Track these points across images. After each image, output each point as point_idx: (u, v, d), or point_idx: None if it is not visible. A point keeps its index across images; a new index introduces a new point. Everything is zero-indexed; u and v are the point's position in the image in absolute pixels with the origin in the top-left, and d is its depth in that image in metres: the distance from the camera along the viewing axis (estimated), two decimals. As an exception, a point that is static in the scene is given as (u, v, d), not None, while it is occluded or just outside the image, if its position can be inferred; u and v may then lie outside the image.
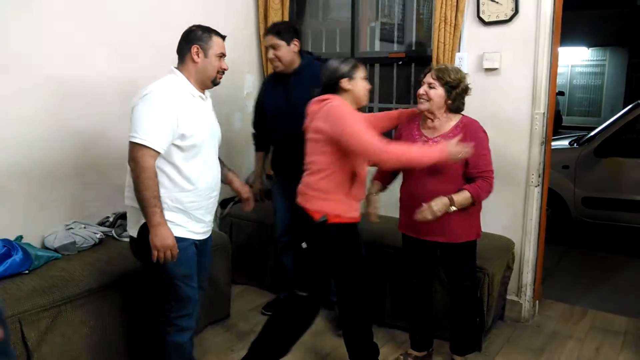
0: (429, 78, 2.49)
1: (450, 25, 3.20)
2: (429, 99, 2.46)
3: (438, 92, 2.45)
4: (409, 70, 3.68)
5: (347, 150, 2.25)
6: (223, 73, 2.27)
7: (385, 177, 2.72)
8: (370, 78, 3.93)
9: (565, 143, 5.23)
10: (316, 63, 3.11)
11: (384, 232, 3.15)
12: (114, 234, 3.00)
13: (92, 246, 2.84)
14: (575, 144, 5.09)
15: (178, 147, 2.10)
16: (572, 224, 4.98)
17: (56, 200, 2.91)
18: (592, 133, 5.13)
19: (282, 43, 2.94)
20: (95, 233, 2.89)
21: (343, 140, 2.22)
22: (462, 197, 2.40)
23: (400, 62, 3.72)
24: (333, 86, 2.37)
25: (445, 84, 2.45)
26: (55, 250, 2.72)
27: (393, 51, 3.86)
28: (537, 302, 3.47)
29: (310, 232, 2.38)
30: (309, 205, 2.36)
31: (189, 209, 2.17)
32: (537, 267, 3.37)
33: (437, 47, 3.25)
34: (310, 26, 4.28)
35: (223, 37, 2.26)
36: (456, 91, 2.47)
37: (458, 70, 2.51)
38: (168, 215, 2.10)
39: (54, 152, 2.88)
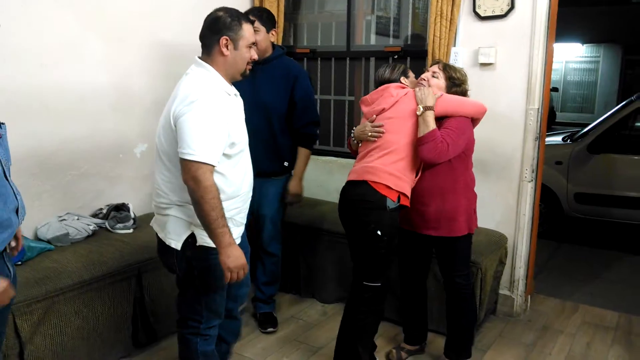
0: (435, 67, 2.55)
1: (446, 19, 3.20)
2: (428, 86, 2.49)
3: (439, 82, 2.50)
4: (404, 64, 3.66)
5: (443, 114, 2.40)
6: (252, 63, 2.08)
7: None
8: (365, 72, 3.96)
9: (558, 139, 5.25)
10: (286, 57, 3.09)
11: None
12: (107, 226, 2.99)
13: (85, 238, 2.83)
14: (568, 140, 5.10)
15: (226, 155, 1.95)
16: (565, 219, 5.01)
17: (49, 191, 2.89)
18: (586, 129, 5.15)
19: (263, 28, 2.88)
20: (88, 225, 2.87)
21: (441, 107, 2.38)
22: (431, 120, 2.33)
23: (396, 56, 3.72)
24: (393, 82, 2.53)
25: (449, 78, 2.51)
26: (48, 241, 2.71)
27: (389, 45, 3.85)
28: (529, 296, 3.49)
29: (381, 214, 2.34)
30: (390, 184, 2.33)
31: (233, 215, 2.03)
32: (529, 262, 3.39)
33: (433, 42, 3.25)
34: (305, 19, 4.26)
35: (252, 22, 2.06)
36: (456, 89, 2.52)
37: (465, 74, 2.58)
38: None
39: (47, 143, 2.86)
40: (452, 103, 2.44)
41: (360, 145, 2.53)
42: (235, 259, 1.87)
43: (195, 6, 3.50)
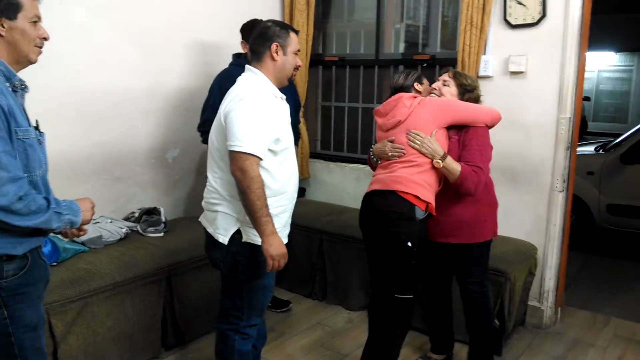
0: (445, 76, 2.56)
1: (476, 27, 3.19)
2: (440, 95, 2.51)
3: (450, 90, 2.51)
4: (433, 72, 3.66)
5: (460, 122, 2.42)
6: (297, 69, 2.21)
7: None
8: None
9: (590, 149, 5.16)
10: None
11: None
12: (139, 229, 3.05)
13: (118, 240, 2.89)
14: (601, 150, 5.02)
15: (272, 151, 2.04)
16: (596, 231, 4.91)
17: (83, 194, 2.91)
18: (619, 139, 5.05)
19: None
20: (121, 228, 2.94)
21: (457, 114, 2.40)
22: (453, 165, 2.35)
23: (425, 65, 3.71)
24: (407, 90, 2.53)
25: (460, 85, 2.51)
26: (83, 243, 2.77)
27: (417, 53, 3.85)
28: (559, 308, 3.43)
29: (411, 225, 2.33)
30: (418, 194, 2.32)
31: (278, 213, 2.09)
32: (559, 274, 3.34)
33: (463, 50, 3.24)
34: (335, 27, 4.29)
35: (297, 32, 2.19)
36: (469, 95, 2.52)
37: (475, 80, 2.59)
38: None
39: (81, 148, 2.95)
40: (468, 112, 2.43)
41: (379, 162, 2.53)
42: (277, 247, 1.97)
43: (225, 11, 3.57)
